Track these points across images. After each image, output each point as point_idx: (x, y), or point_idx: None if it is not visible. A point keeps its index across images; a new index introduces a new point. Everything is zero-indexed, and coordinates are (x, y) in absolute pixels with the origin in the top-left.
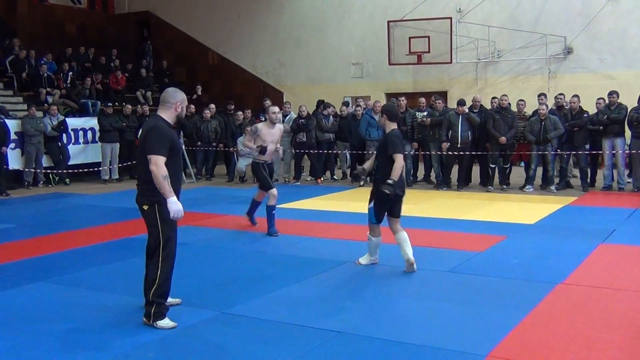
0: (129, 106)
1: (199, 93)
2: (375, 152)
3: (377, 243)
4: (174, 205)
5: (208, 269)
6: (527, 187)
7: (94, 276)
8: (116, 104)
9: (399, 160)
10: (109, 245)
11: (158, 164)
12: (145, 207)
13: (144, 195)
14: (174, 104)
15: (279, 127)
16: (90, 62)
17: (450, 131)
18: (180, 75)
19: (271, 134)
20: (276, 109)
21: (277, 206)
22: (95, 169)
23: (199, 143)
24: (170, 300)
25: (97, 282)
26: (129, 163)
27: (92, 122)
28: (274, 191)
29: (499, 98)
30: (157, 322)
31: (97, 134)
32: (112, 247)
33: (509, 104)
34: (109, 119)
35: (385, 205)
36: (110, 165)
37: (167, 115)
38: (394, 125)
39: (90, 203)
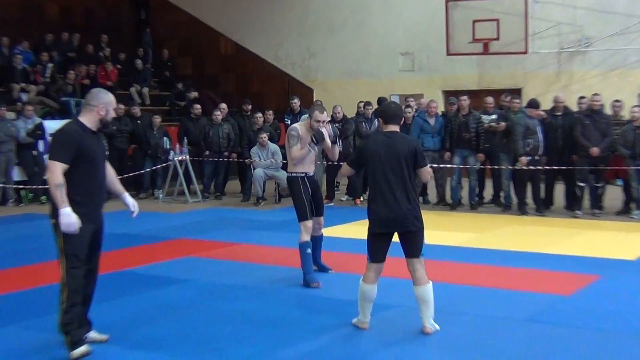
0: (122, 106)
1: (192, 96)
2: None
3: (366, 294)
4: (66, 217)
5: (209, 319)
6: (636, 212)
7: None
8: None
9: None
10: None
11: (52, 171)
12: (53, 222)
13: (52, 209)
14: (96, 107)
15: (323, 130)
16: (74, 51)
17: (530, 140)
18: (184, 68)
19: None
20: (323, 116)
21: None
22: None
23: (207, 152)
24: (92, 335)
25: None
26: (120, 177)
27: None
28: (309, 223)
29: (589, 98)
30: (71, 353)
31: None
32: (99, 282)
33: (602, 105)
34: None
35: (380, 238)
36: None
37: (87, 118)
38: (393, 129)
39: None
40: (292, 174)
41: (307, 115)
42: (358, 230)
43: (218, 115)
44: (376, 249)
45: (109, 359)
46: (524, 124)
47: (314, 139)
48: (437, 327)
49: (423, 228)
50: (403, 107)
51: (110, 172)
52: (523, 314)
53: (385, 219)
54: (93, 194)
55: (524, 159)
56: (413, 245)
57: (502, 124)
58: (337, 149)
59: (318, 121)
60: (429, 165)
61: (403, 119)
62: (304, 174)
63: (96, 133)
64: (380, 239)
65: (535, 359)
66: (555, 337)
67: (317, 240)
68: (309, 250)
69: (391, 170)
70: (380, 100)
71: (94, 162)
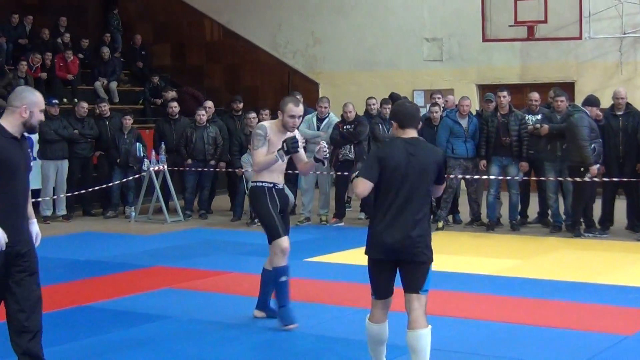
0: (84, 104)
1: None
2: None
3: (375, 337)
4: None
5: None
6: None
7: None
8: (65, 100)
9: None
10: (49, 319)
11: None
12: None
13: None
14: (19, 108)
15: (297, 136)
16: (26, 37)
17: (595, 145)
18: (161, 57)
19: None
20: (299, 110)
21: (309, 260)
22: (33, 199)
23: (189, 161)
24: None
25: None
26: (83, 191)
27: None
28: (284, 242)
29: None
30: None
31: (36, 147)
32: (54, 320)
33: None
34: (53, 123)
35: (382, 267)
36: (54, 194)
37: (8, 122)
38: (412, 134)
39: None
40: (257, 184)
41: (311, 113)
42: None
43: (202, 115)
44: (379, 281)
45: None
46: (587, 125)
47: (285, 146)
48: None
49: (432, 260)
50: (428, 105)
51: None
52: (575, 358)
53: (391, 245)
54: (10, 210)
55: (595, 168)
56: (416, 278)
57: (545, 126)
58: (313, 165)
59: (293, 116)
60: (460, 176)
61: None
62: (271, 185)
63: (18, 139)
64: (383, 269)
65: None
66: None
67: (271, 275)
68: (285, 278)
69: (410, 186)
70: (394, 97)
71: (15, 173)
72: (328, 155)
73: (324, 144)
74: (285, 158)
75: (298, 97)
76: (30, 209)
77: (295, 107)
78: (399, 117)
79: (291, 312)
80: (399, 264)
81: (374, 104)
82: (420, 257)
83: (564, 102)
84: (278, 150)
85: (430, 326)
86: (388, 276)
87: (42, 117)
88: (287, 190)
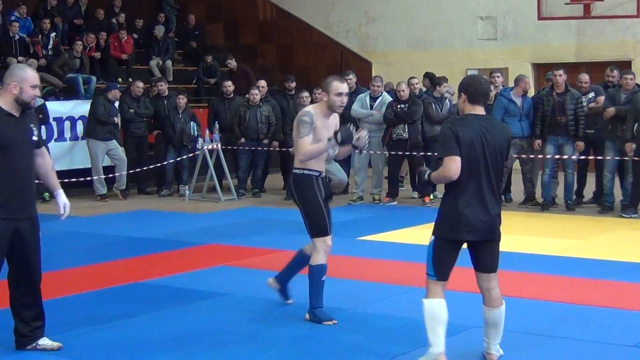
0: (140, 83)
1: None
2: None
3: (437, 315)
4: None
5: (248, 343)
6: None
7: (86, 342)
8: (120, 80)
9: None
10: (106, 294)
11: None
12: None
13: None
14: (9, 85)
15: (335, 119)
16: (81, 17)
17: (637, 124)
18: (215, 37)
19: (328, 128)
20: (345, 87)
21: (363, 239)
22: (89, 177)
23: (243, 140)
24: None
25: (91, 353)
26: (139, 170)
27: (85, 107)
28: (329, 241)
29: None
30: None
31: (79, 127)
32: (111, 296)
33: None
34: (109, 103)
35: (454, 248)
36: (109, 173)
37: (3, 99)
38: (481, 111)
39: (81, 230)
40: (304, 172)
41: (364, 92)
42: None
43: (256, 94)
44: (449, 262)
45: None
46: (634, 105)
47: (338, 137)
48: (502, 352)
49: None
50: None
51: (45, 162)
52: (631, 338)
53: (475, 224)
54: (8, 187)
55: (630, 146)
56: (495, 258)
57: (611, 109)
58: (350, 150)
59: (340, 94)
60: (515, 155)
61: None
62: (318, 174)
63: (16, 116)
64: (456, 249)
65: None
66: None
67: (306, 261)
68: (325, 277)
69: (487, 164)
70: (431, 76)
71: (9, 150)
72: (367, 143)
73: (364, 132)
74: (338, 149)
75: (351, 77)
76: (54, 180)
77: (341, 84)
78: (471, 92)
79: (324, 315)
80: (473, 244)
81: (417, 84)
82: (498, 235)
83: (633, 80)
84: (329, 140)
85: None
86: (456, 257)
87: (34, 93)
88: (340, 169)
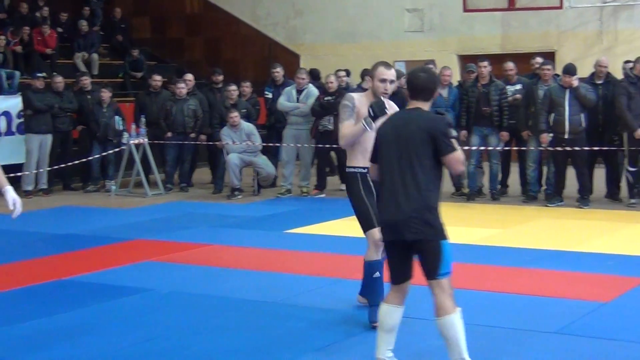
0: (59, 77)
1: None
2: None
3: (382, 319)
4: None
5: (173, 337)
6: None
7: (2, 341)
8: (44, 74)
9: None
10: (29, 292)
11: None
12: None
13: None
14: None
15: (389, 107)
16: (4, 11)
17: (553, 114)
18: (141, 31)
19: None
20: (390, 73)
21: (291, 232)
22: (13, 174)
23: (169, 134)
24: None
25: (7, 352)
26: (63, 165)
27: (8, 102)
28: (375, 233)
29: (636, 61)
30: None
31: (15, 121)
32: (33, 294)
33: None
34: (39, 96)
35: (391, 248)
36: (37, 168)
37: None
38: (418, 105)
39: (4, 227)
40: (350, 169)
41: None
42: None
43: (182, 88)
44: (391, 264)
45: None
46: (547, 96)
47: (371, 111)
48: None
49: (441, 238)
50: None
51: None
52: (553, 325)
53: (388, 223)
54: None
55: (545, 137)
56: (429, 262)
57: (518, 95)
58: None
59: (384, 80)
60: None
61: (435, 94)
62: (365, 170)
63: None
64: (393, 250)
65: None
66: (587, 352)
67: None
68: (378, 274)
69: (401, 158)
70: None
71: None
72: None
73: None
74: (375, 125)
75: (278, 69)
76: (2, 177)
77: (386, 70)
78: (409, 87)
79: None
80: (411, 244)
81: (343, 76)
82: (419, 235)
83: (551, 71)
84: (365, 119)
85: (459, 309)
86: (399, 259)
87: None
88: (268, 162)
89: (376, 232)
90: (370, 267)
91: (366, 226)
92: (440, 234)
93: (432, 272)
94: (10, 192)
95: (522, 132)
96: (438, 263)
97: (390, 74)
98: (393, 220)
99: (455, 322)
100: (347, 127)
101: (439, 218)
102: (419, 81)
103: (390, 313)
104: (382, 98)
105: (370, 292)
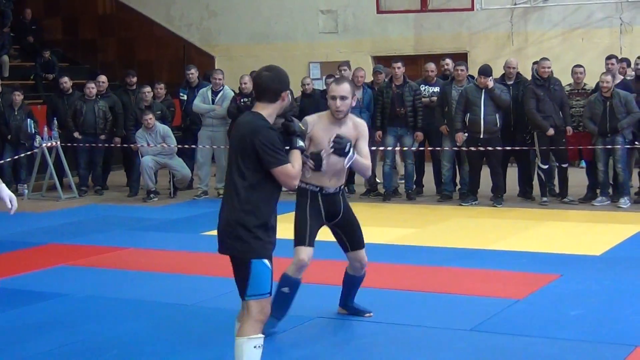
0: None
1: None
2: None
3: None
4: None
5: (90, 342)
6: (599, 199)
7: None
8: None
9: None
10: None
11: None
12: None
13: None
14: None
15: (355, 124)
16: None
17: (469, 114)
18: (53, 32)
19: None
20: (339, 89)
21: (207, 234)
22: None
23: (77, 134)
24: None
25: None
26: None
27: None
28: (302, 253)
29: (539, 63)
30: None
31: None
32: None
33: (552, 71)
34: None
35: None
36: None
37: None
38: (260, 109)
39: None
40: (302, 184)
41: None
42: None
43: (92, 88)
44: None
45: None
46: (463, 96)
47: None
48: None
49: (253, 257)
50: (324, 78)
51: None
52: (467, 323)
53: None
54: None
55: (460, 136)
56: (236, 280)
57: (434, 98)
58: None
59: (333, 97)
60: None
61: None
62: (317, 188)
63: None
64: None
65: None
66: (500, 349)
67: (354, 281)
68: (287, 289)
69: (231, 165)
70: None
71: None
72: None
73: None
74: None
75: (192, 71)
76: None
77: (335, 86)
78: (253, 88)
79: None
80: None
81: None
82: (229, 249)
83: (464, 72)
84: (315, 155)
85: (259, 336)
86: (234, 272)
87: None
88: (183, 165)
89: (301, 252)
90: (283, 280)
91: (296, 242)
92: (252, 252)
93: (240, 291)
94: (4, 190)
95: (440, 128)
96: (246, 283)
97: (340, 89)
98: (217, 230)
99: (244, 347)
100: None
101: (259, 235)
102: (262, 80)
103: (237, 346)
104: (320, 153)
105: (275, 303)
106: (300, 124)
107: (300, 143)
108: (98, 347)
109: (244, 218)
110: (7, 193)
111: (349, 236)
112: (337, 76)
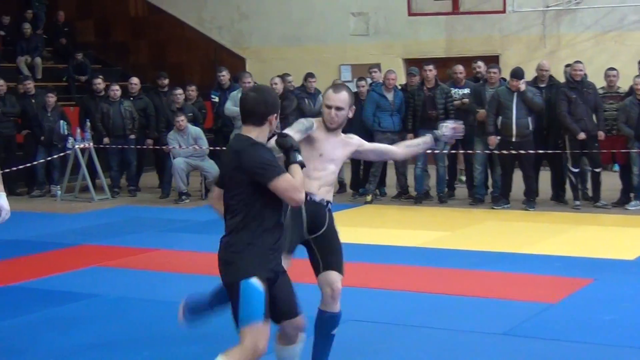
0: (1, 82)
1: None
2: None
3: None
4: None
5: (121, 342)
6: (634, 203)
7: None
8: None
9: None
10: None
11: None
12: None
13: None
14: None
15: (345, 141)
16: None
17: (501, 117)
18: (85, 34)
19: (331, 145)
20: (335, 98)
21: None
22: None
23: (106, 139)
24: None
25: None
26: (7, 170)
27: None
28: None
29: (571, 66)
30: None
31: None
32: None
33: (586, 75)
34: None
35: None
36: None
37: None
38: (254, 134)
39: None
40: None
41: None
42: None
43: (116, 91)
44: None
45: None
46: (495, 98)
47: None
48: None
49: (241, 277)
50: (355, 80)
51: None
52: (500, 327)
53: None
54: None
55: (493, 139)
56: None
57: (466, 100)
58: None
59: (329, 106)
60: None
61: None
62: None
63: None
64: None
65: None
66: (533, 353)
67: (324, 322)
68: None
69: (224, 186)
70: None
71: None
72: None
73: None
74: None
75: (224, 73)
76: None
77: (332, 94)
78: (239, 109)
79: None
80: None
81: (291, 81)
82: (222, 277)
83: (497, 74)
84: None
85: None
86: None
87: None
88: (213, 168)
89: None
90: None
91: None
92: (239, 272)
93: (234, 319)
94: (1, 199)
95: (489, 139)
96: (237, 308)
97: (337, 98)
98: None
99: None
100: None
101: (248, 254)
102: (247, 102)
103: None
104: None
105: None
106: (294, 139)
107: (299, 157)
108: (129, 348)
109: (232, 243)
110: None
111: (325, 254)
112: (337, 82)
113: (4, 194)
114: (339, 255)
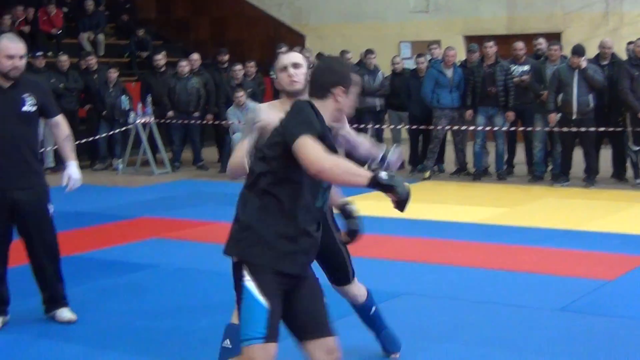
0: (64, 57)
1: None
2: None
3: None
4: None
5: (180, 312)
6: None
7: (16, 314)
8: (50, 54)
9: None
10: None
11: None
12: None
13: None
14: None
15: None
16: None
17: (562, 94)
18: (146, 11)
19: None
20: (287, 58)
21: None
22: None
23: (171, 113)
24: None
25: (17, 326)
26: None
27: None
28: None
29: (634, 43)
30: None
31: None
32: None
33: None
34: (38, 77)
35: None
36: (42, 147)
37: None
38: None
39: None
40: None
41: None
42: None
43: (184, 66)
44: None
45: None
46: (555, 76)
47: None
48: None
49: (241, 267)
50: (414, 57)
51: (58, 132)
52: (557, 302)
53: None
54: None
55: (553, 116)
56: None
57: (525, 77)
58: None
59: (284, 68)
60: (445, 127)
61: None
62: None
63: (3, 87)
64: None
65: (567, 354)
66: (590, 329)
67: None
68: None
69: None
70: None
71: None
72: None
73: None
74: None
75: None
76: (67, 150)
77: (283, 55)
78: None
79: None
80: None
81: (350, 58)
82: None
83: (558, 51)
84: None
85: None
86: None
87: (10, 63)
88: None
89: None
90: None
91: None
92: (242, 253)
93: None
94: (70, 167)
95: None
96: (239, 318)
97: (291, 56)
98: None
99: None
100: (235, 155)
101: (259, 241)
102: (313, 72)
103: None
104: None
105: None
106: (355, 209)
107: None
108: (188, 316)
109: (242, 222)
110: (68, 172)
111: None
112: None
113: (74, 163)
114: (344, 263)
